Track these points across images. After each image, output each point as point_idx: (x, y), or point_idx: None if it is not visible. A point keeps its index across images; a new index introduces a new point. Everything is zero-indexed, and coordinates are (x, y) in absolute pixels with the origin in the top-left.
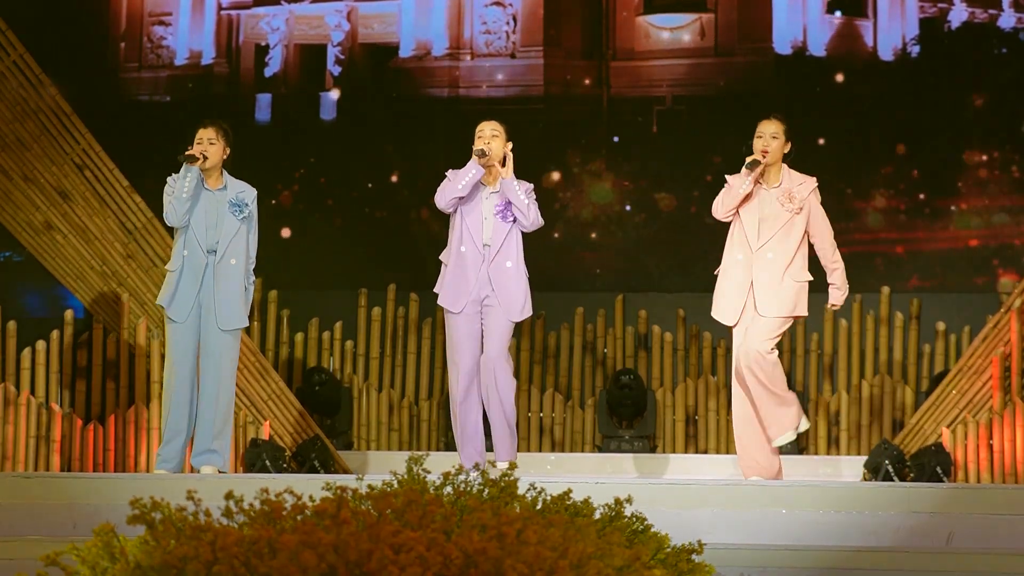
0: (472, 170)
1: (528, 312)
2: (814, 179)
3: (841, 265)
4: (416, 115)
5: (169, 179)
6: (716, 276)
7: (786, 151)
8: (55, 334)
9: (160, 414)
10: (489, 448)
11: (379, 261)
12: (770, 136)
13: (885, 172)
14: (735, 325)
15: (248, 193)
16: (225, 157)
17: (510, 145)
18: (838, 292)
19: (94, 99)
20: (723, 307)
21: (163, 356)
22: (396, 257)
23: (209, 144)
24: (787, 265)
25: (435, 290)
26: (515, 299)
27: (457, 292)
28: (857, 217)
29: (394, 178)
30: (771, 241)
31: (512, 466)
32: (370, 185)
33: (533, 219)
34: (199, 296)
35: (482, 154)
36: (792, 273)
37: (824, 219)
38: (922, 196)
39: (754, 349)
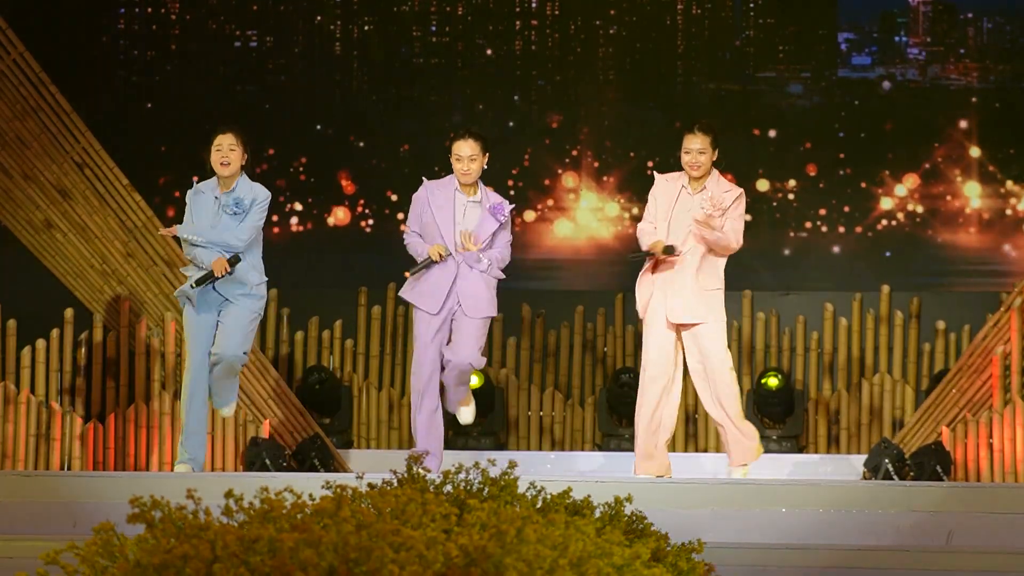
0: (427, 265)
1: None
2: (741, 190)
3: (727, 235)
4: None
5: (189, 193)
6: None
7: (714, 159)
8: (55, 333)
9: (159, 412)
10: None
11: (379, 260)
12: (697, 152)
13: None
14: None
15: (251, 194)
16: (244, 163)
17: (487, 157)
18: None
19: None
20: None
21: (163, 355)
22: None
23: (230, 151)
24: (696, 269)
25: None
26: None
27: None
28: None
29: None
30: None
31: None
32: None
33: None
34: (208, 298)
35: (434, 262)
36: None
37: (735, 227)
38: None
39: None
